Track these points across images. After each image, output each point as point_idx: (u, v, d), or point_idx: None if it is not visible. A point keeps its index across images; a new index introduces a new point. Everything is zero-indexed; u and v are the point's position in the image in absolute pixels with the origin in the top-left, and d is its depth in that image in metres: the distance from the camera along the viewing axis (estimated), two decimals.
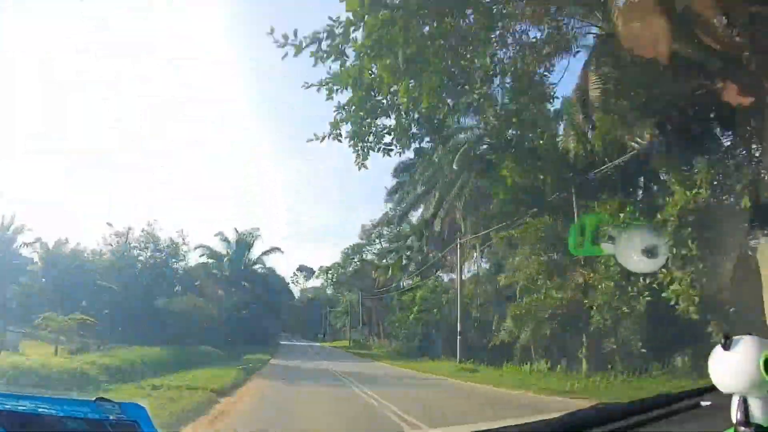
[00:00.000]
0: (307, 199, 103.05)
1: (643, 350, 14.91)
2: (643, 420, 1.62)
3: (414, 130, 10.68)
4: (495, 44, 10.11)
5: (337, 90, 9.05)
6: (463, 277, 28.13)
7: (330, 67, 8.82)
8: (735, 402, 1.11)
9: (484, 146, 22.77)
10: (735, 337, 1.12)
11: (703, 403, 1.70)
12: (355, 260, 61.15)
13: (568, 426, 1.55)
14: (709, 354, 1.16)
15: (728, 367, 1.10)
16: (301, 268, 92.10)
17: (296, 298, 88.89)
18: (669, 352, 14.13)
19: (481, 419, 7.63)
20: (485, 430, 1.69)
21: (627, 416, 1.66)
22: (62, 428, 1.14)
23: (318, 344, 65.14)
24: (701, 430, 1.20)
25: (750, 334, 1.14)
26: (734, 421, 1.11)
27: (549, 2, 11.00)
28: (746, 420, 1.09)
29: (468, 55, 9.58)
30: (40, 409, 1.18)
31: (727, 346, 1.11)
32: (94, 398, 1.19)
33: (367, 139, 9.68)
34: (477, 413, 10.23)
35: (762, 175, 11.44)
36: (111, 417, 1.14)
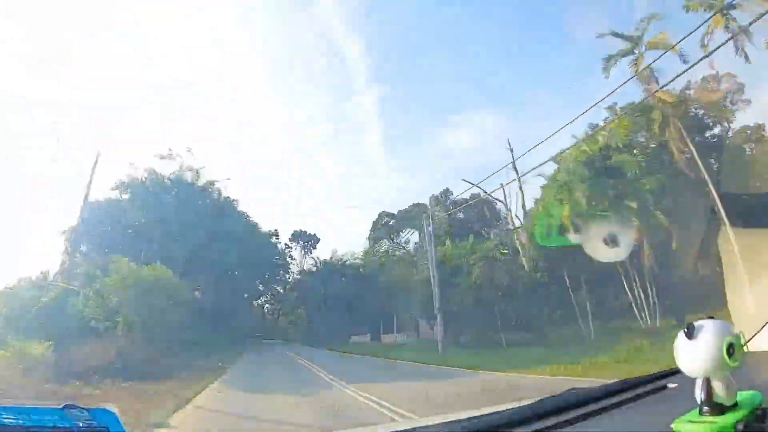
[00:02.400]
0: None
1: None
2: (615, 403, 1.67)
3: None
4: None
5: None
6: None
7: None
8: (699, 384, 1.15)
9: None
10: (698, 322, 1.16)
11: (669, 385, 1.76)
12: None
13: (542, 410, 1.59)
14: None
15: (692, 351, 1.15)
16: (297, 236, 61.48)
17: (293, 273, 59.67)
18: None
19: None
20: (463, 419, 1.71)
21: (599, 399, 1.71)
22: None
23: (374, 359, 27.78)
24: (668, 411, 1.24)
25: (712, 318, 1.19)
26: (698, 401, 1.15)
27: None
28: (710, 400, 1.13)
29: None
30: (6, 420, 1.14)
31: (690, 331, 1.15)
32: (62, 405, 1.15)
33: None
34: None
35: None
36: (80, 424, 1.11)
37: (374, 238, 60.34)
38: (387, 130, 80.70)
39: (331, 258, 58.39)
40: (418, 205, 56.34)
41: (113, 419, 1.11)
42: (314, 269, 59.29)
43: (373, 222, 61.41)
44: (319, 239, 62.65)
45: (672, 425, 1.15)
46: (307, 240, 62.16)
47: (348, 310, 49.16)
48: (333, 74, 72.60)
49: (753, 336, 1.89)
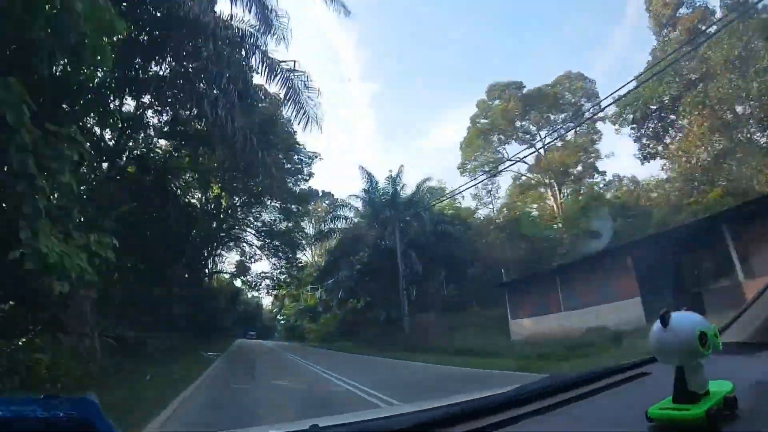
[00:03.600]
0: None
1: None
2: (592, 390, 1.70)
3: None
4: None
5: None
6: None
7: None
8: (673, 373, 1.20)
9: None
10: (673, 313, 1.20)
11: (645, 374, 1.81)
12: None
13: (518, 397, 1.61)
14: None
15: (666, 340, 1.19)
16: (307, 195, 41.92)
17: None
18: None
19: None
20: (437, 407, 1.73)
21: (575, 387, 1.74)
22: (10, 431, 1.08)
23: None
24: (643, 398, 1.28)
25: (688, 309, 1.23)
26: (673, 390, 1.19)
27: None
28: (683, 388, 1.18)
29: None
30: None
31: (665, 321, 1.19)
32: (41, 395, 1.13)
33: None
34: None
35: None
36: (61, 414, 1.09)
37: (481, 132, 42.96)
38: (379, 125, 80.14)
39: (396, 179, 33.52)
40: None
41: (95, 408, 1.09)
42: (362, 206, 34.96)
43: (479, 103, 43.21)
44: (336, 199, 43.07)
45: (647, 412, 1.18)
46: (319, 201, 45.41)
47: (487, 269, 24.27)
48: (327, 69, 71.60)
49: (726, 327, 1.95)
